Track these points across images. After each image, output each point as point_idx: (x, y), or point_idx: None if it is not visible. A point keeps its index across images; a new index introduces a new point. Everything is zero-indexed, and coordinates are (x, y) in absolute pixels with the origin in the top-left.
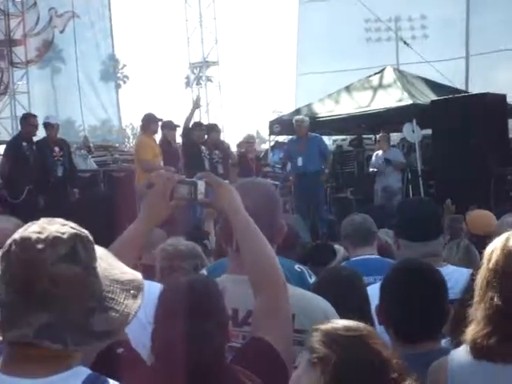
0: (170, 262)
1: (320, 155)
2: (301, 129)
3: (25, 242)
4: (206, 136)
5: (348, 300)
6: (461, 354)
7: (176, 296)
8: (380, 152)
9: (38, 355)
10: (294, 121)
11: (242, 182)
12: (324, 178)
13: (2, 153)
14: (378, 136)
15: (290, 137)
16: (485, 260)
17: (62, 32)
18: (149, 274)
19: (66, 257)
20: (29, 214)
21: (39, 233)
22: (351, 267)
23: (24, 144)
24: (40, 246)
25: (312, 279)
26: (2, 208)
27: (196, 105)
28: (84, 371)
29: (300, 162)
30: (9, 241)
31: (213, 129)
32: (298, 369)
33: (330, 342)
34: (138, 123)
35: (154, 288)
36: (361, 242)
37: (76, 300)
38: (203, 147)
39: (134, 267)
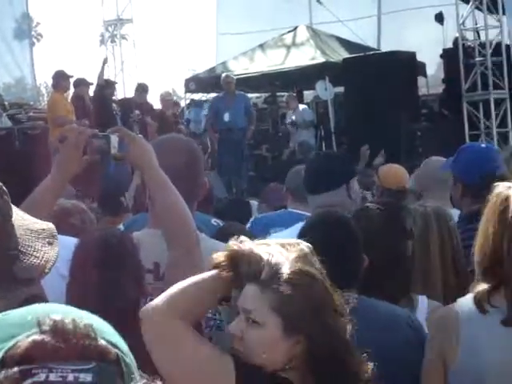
0: (58, 219)
1: (246, 113)
2: (230, 85)
3: None
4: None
5: None
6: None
7: (90, 249)
8: (291, 112)
9: None
10: (222, 78)
11: (163, 138)
12: (250, 135)
13: None
14: (285, 96)
15: (212, 94)
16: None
17: None
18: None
19: None
20: None
21: None
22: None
23: None
24: None
25: None
26: None
27: (104, 62)
28: None
29: (227, 117)
30: None
31: (143, 89)
32: (255, 331)
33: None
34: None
35: (68, 241)
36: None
37: None
38: (114, 105)
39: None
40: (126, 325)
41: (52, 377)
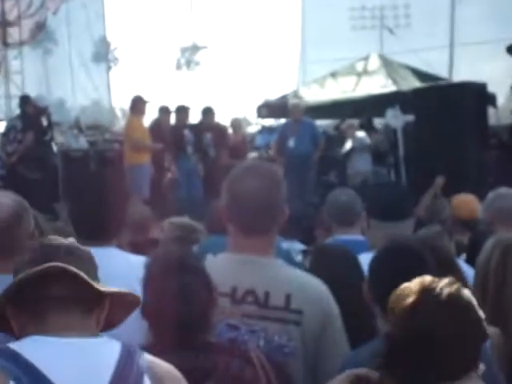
0: (179, 233)
1: (311, 139)
2: (296, 113)
3: None
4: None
5: (345, 278)
6: None
7: (168, 258)
8: (349, 139)
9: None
10: (289, 105)
11: (248, 164)
12: (314, 162)
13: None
14: (343, 125)
15: (279, 120)
16: None
17: (54, 14)
18: (155, 247)
19: None
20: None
21: None
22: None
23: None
24: None
25: (298, 258)
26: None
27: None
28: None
29: (292, 143)
30: None
31: (208, 111)
32: None
33: None
34: (127, 105)
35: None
36: (345, 223)
37: None
38: (186, 130)
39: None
40: (199, 331)
41: None
